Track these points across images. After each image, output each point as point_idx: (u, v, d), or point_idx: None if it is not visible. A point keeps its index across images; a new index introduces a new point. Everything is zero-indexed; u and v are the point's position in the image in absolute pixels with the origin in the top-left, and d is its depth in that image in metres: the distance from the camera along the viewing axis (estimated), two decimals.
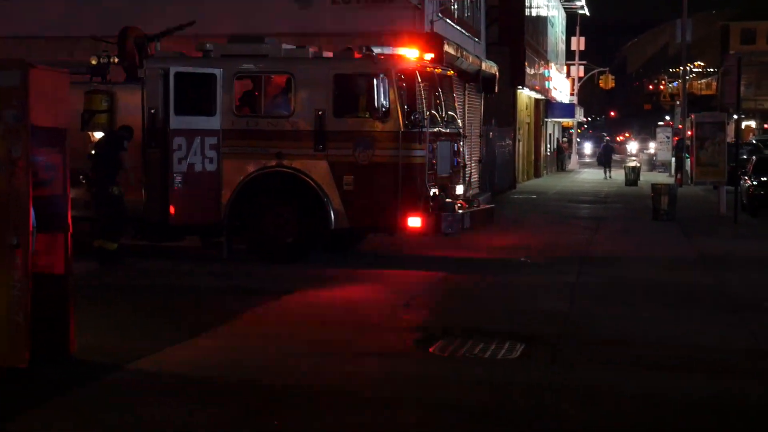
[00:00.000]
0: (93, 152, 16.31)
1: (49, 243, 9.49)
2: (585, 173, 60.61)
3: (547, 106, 57.69)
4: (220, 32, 21.35)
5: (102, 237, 16.23)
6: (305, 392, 8.76)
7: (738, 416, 8.34)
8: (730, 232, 23.86)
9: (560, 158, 61.75)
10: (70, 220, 9.65)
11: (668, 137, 57.69)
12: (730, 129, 30.88)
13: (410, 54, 17.10)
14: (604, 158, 55.82)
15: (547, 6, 55.58)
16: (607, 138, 67.31)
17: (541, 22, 53.19)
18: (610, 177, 52.40)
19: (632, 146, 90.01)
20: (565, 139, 70.63)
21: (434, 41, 23.80)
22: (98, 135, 16.84)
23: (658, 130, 66.37)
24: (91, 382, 8.95)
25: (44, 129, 9.34)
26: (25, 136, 9.01)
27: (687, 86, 56.04)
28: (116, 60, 17.49)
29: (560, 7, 63.97)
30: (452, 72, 19.53)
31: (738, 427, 8.10)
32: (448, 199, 16.78)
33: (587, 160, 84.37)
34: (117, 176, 16.23)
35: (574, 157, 70.35)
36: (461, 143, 18.39)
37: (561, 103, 62.04)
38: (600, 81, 76.44)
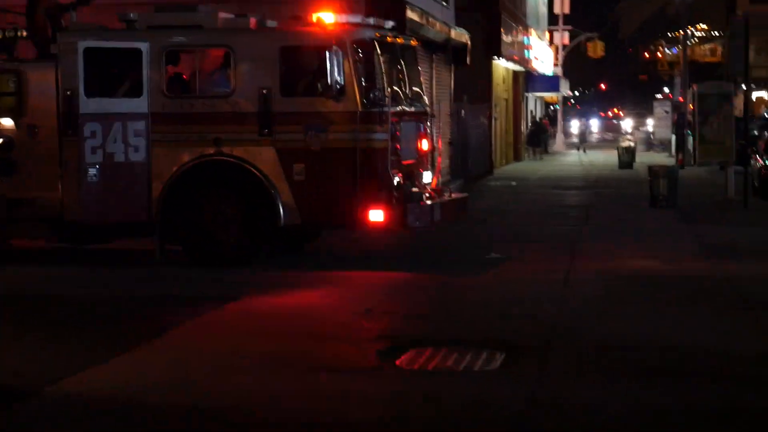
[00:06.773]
0: None
1: None
2: (572, 155, 60.90)
3: (527, 79, 57.87)
4: (146, 0, 21.28)
5: None
6: (251, 416, 8.73)
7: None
8: (740, 218, 24.04)
9: (543, 138, 62.04)
10: None
11: (667, 112, 58.07)
12: (738, 101, 31.05)
13: (368, 22, 17.11)
14: (533, 139, 58.93)
15: None
16: (541, 117, 68.46)
17: None
18: (540, 158, 56.45)
19: (626, 123, 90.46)
20: (547, 117, 70.78)
21: (395, 6, 23.83)
22: (5, 121, 16.73)
23: (655, 104, 66.77)
24: (2, 411, 8.88)
25: None
26: None
27: (688, 53, 56.37)
28: (25, 34, 17.39)
29: None
30: (417, 42, 19.54)
31: None
32: (414, 189, 16.80)
33: (575, 140, 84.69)
34: None
35: (560, 137, 70.57)
36: (429, 124, 18.42)
37: (543, 75, 62.22)
38: (588, 48, 76.71)
